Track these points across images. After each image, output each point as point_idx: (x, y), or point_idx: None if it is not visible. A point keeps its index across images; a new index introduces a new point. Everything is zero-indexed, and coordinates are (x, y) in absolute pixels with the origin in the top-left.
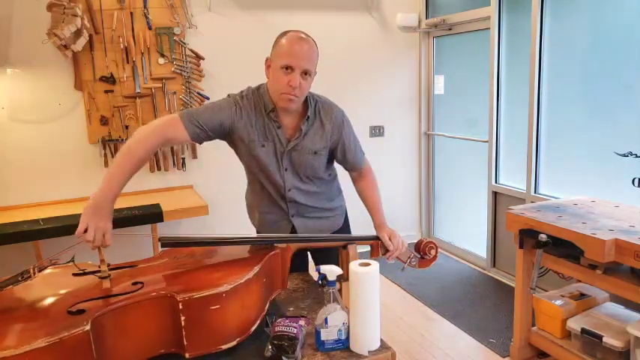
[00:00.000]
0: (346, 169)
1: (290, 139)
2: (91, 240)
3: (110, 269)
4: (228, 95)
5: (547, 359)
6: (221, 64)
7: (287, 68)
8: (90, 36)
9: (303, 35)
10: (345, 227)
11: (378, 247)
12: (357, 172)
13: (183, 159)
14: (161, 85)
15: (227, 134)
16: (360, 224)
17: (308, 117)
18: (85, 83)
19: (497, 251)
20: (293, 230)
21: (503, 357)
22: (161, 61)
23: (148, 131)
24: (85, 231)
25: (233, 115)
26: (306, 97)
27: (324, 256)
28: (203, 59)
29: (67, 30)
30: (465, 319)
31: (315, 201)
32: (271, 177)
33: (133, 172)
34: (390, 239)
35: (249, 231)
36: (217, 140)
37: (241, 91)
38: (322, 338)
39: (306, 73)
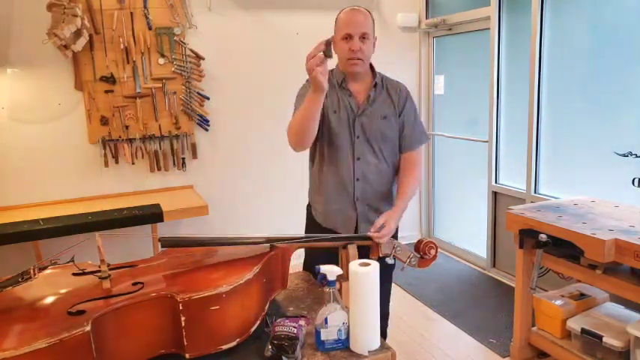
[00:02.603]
0: (401, 148)
1: (359, 105)
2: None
3: (110, 269)
4: (307, 80)
5: (547, 359)
6: (221, 64)
7: (346, 37)
8: (90, 36)
9: (356, 7)
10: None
11: (377, 246)
12: (409, 154)
13: (184, 159)
14: (161, 85)
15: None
16: None
17: (375, 84)
18: (85, 83)
19: (497, 251)
20: (357, 220)
21: (503, 357)
22: (161, 61)
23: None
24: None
25: None
26: (373, 69)
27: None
28: (203, 59)
29: (67, 30)
30: (465, 319)
31: (377, 180)
32: (342, 147)
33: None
34: (383, 223)
35: (249, 231)
36: (216, 140)
37: None
38: (322, 338)
39: (364, 37)
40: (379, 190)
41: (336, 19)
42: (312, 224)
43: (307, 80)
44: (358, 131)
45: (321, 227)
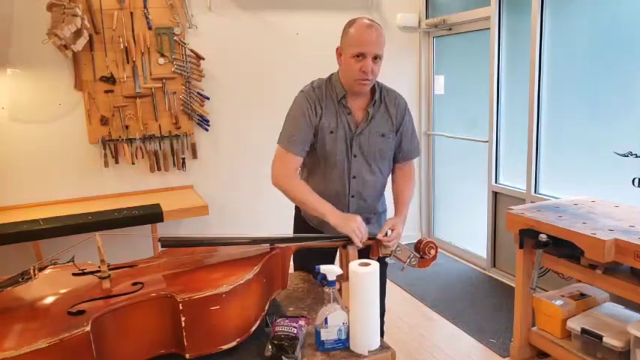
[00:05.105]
0: (396, 159)
1: (358, 123)
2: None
3: (110, 269)
4: (301, 91)
5: (547, 359)
6: (221, 64)
7: (359, 56)
8: (90, 36)
9: (370, 22)
10: None
11: (377, 247)
12: (405, 164)
13: (184, 159)
14: (161, 85)
15: (315, 131)
16: None
17: (375, 101)
18: (85, 83)
19: (497, 251)
20: None
21: (504, 357)
22: (161, 61)
23: (287, 183)
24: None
25: (312, 112)
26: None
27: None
28: (203, 59)
29: (67, 30)
30: (465, 319)
31: (372, 195)
32: (337, 165)
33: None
34: (391, 229)
35: (249, 231)
36: (216, 140)
37: (312, 82)
38: (322, 338)
39: (376, 58)
40: (373, 202)
41: (347, 30)
42: (300, 222)
43: (302, 91)
44: (356, 150)
45: (309, 226)
